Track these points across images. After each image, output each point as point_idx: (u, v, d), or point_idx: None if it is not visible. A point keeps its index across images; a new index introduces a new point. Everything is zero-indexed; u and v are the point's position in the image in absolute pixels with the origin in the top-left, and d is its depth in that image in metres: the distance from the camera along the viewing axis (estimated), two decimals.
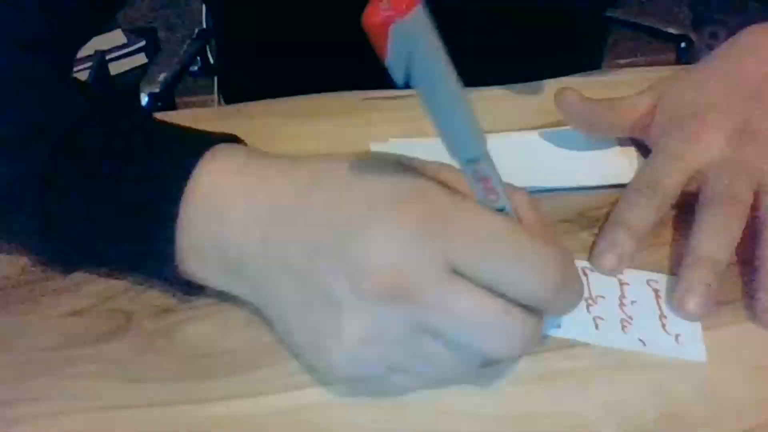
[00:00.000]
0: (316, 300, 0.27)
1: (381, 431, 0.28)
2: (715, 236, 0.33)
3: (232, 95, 0.77)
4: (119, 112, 0.33)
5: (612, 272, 0.35)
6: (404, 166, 0.29)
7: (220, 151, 0.31)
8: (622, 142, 0.44)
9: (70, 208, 0.31)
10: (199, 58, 0.93)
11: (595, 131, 0.43)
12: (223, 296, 0.34)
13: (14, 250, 0.37)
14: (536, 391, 0.30)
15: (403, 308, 0.26)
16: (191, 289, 0.33)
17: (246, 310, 0.33)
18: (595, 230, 0.38)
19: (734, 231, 0.33)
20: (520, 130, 0.47)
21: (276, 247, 0.28)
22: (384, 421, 0.29)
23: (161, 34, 1.72)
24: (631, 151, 0.44)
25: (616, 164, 0.43)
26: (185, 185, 0.30)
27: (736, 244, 0.33)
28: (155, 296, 0.34)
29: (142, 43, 1.63)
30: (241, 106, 0.52)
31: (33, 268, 0.36)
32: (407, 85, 0.22)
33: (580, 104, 0.42)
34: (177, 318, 0.33)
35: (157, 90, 0.83)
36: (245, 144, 0.34)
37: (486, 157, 0.25)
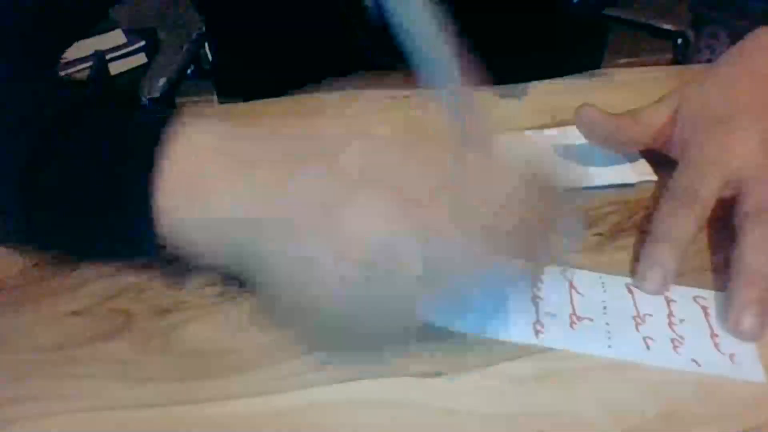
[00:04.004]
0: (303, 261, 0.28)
1: (381, 431, 0.28)
2: (764, 251, 0.32)
3: (227, 98, 0.77)
4: (101, 105, 0.33)
5: (658, 293, 0.34)
6: (387, 141, 0.30)
7: (192, 130, 0.31)
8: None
9: (50, 197, 0.32)
10: (192, 65, 0.93)
11: (617, 146, 0.42)
12: (223, 296, 0.34)
13: (14, 249, 0.37)
14: (536, 391, 0.30)
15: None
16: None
17: (246, 310, 0.33)
18: (596, 230, 0.38)
19: None
20: (520, 130, 0.47)
21: (261, 223, 0.29)
22: (384, 421, 0.29)
23: (161, 35, 1.71)
24: (633, 152, 0.44)
25: (617, 164, 0.43)
26: (157, 174, 0.30)
27: None
28: (155, 296, 0.34)
29: (142, 43, 1.63)
30: (239, 105, 0.52)
31: (33, 268, 0.36)
32: (384, 17, 0.24)
33: (600, 120, 0.41)
34: (177, 318, 0.33)
35: (156, 95, 0.82)
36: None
37: (458, 80, 0.28)
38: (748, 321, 0.31)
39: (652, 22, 0.92)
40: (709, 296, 0.34)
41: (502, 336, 0.31)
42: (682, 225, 0.34)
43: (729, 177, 0.36)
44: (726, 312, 0.32)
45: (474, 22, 0.54)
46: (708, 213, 0.35)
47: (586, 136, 0.42)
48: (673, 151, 0.40)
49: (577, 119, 0.41)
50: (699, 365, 0.30)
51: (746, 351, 0.31)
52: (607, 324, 0.32)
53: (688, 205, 0.35)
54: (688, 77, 0.43)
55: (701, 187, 0.35)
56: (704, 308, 0.33)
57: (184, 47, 0.90)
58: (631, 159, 0.43)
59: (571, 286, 0.34)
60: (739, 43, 0.42)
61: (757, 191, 0.34)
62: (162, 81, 0.84)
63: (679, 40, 0.89)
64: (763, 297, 0.31)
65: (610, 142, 0.42)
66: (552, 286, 0.34)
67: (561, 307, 0.33)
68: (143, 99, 0.82)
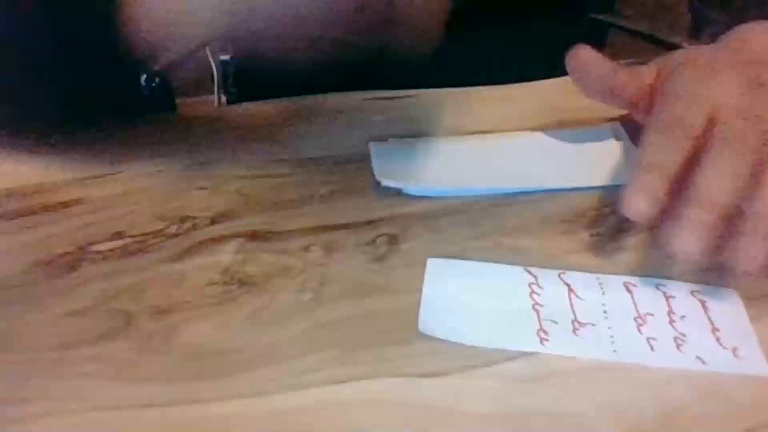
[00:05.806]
0: None
1: (381, 431, 0.28)
2: (721, 178, 0.32)
3: (242, 90, 0.77)
4: None
5: (643, 218, 0.33)
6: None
7: None
8: (618, 134, 0.45)
9: None
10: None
11: (611, 100, 0.42)
12: (223, 296, 0.34)
13: (14, 249, 0.37)
14: (536, 391, 0.30)
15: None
16: None
17: (246, 310, 0.33)
18: (595, 230, 0.38)
19: (741, 175, 0.33)
20: (520, 130, 0.47)
21: None
22: (384, 421, 0.29)
23: None
24: (632, 150, 0.44)
25: (616, 164, 0.43)
26: None
27: (739, 191, 0.32)
28: (155, 296, 0.34)
29: None
30: (241, 106, 0.52)
31: (33, 268, 0.36)
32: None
33: (597, 64, 0.41)
34: (177, 318, 0.33)
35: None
36: None
37: None
38: (688, 239, 0.31)
39: (654, 33, 0.91)
40: (705, 290, 0.34)
41: (508, 346, 0.31)
42: (670, 155, 0.34)
43: (711, 111, 0.36)
44: (670, 235, 0.32)
45: (474, 23, 0.55)
46: (692, 144, 0.35)
47: (577, 82, 0.42)
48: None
49: (569, 63, 0.41)
50: (704, 363, 0.30)
51: (748, 343, 0.31)
52: (610, 328, 0.32)
53: (675, 135, 0.35)
54: None
55: (686, 117, 0.36)
56: (702, 302, 0.33)
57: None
58: (631, 160, 0.43)
59: (570, 290, 0.34)
60: (721, 38, 0.43)
61: (727, 124, 0.35)
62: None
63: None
64: (707, 219, 0.31)
65: (604, 95, 0.42)
66: (550, 291, 0.34)
67: (562, 313, 0.33)
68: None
